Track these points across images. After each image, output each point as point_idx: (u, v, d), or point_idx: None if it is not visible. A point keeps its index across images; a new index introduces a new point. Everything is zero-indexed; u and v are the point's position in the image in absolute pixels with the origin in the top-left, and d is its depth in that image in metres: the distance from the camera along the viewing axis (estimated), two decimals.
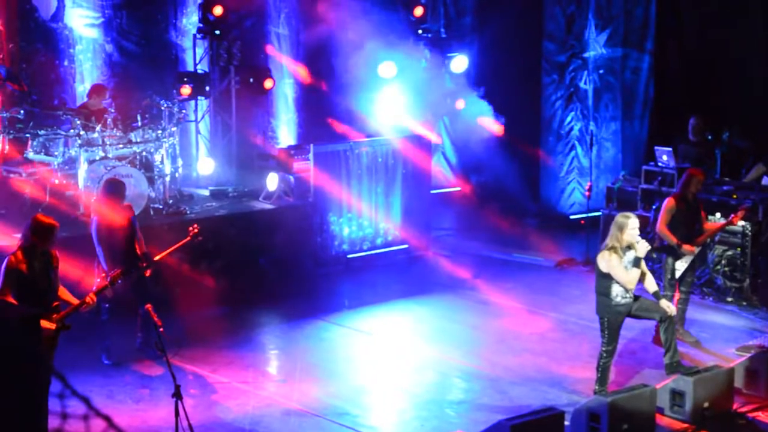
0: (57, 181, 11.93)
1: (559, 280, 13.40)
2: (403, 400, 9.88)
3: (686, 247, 10.69)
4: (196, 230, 10.04)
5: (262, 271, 12.62)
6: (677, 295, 10.90)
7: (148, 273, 10.13)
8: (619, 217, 9.44)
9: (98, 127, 12.13)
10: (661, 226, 10.71)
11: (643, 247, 9.33)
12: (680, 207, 10.77)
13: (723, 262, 12.35)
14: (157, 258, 10.12)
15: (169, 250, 10.08)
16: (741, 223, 12.17)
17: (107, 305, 10.09)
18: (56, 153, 12.13)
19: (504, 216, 15.47)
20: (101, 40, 13.73)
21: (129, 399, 9.59)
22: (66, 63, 13.46)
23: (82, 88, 13.45)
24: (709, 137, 13.92)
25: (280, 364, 10.89)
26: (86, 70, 13.62)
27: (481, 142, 15.45)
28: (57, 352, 8.43)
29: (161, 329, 7.95)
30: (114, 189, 10.37)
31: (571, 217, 15.73)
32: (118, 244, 10.15)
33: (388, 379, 10.32)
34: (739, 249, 12.25)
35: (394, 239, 14.05)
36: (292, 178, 13.46)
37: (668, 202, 10.82)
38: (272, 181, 13.38)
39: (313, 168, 13.32)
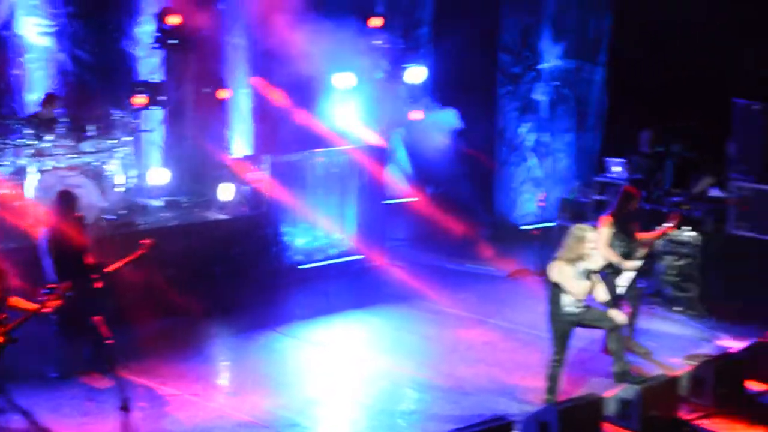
0: (6, 191, 11.80)
1: (512, 290, 13.47)
2: (354, 411, 9.89)
3: (628, 264, 10.77)
4: (149, 243, 9.98)
5: (216, 281, 12.57)
6: (628, 309, 10.98)
7: (98, 285, 10.04)
8: (578, 231, 9.50)
9: (50, 137, 12.04)
10: (602, 247, 10.72)
11: (597, 261, 9.43)
12: (618, 224, 10.84)
13: (672, 272, 12.49)
14: (108, 270, 10.05)
15: (120, 263, 10.00)
16: (690, 233, 12.33)
17: (55, 317, 9.99)
18: (6, 162, 12.01)
19: (458, 226, 15.55)
20: (54, 49, 13.62)
21: (76, 412, 9.48)
22: (16, 71, 13.34)
23: (32, 97, 13.32)
24: (660, 149, 14.08)
25: (232, 376, 10.86)
26: (37, 79, 13.49)
27: (436, 152, 15.51)
28: (2, 365, 8.36)
29: (110, 342, 7.91)
30: (65, 200, 10.28)
31: (525, 227, 15.82)
32: (68, 256, 10.06)
33: (340, 391, 10.32)
34: (688, 259, 12.39)
35: (348, 250, 14.06)
36: (247, 189, 13.44)
37: (606, 221, 10.84)
38: (227, 192, 13.35)
39: (268, 178, 13.31)
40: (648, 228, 11.62)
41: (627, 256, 10.79)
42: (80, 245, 10.19)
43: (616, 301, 10.60)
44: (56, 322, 10.13)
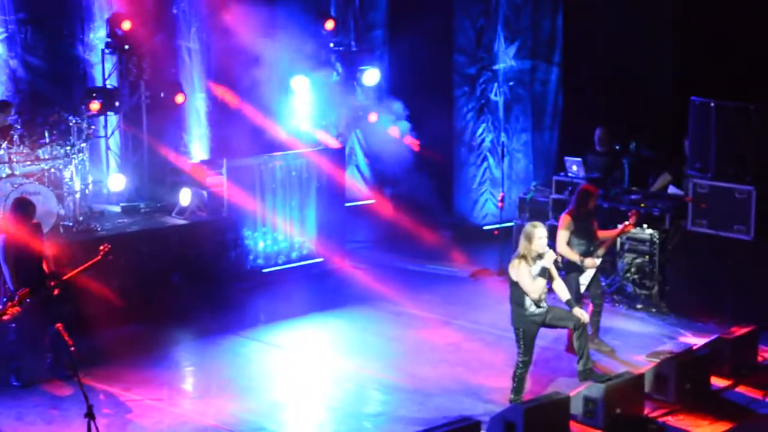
0: None
1: (473, 291, 13.50)
2: (320, 414, 9.87)
3: (588, 262, 10.85)
4: (106, 249, 9.89)
5: (176, 287, 12.47)
6: (590, 308, 11.06)
7: (56, 292, 9.95)
8: (528, 227, 9.58)
9: (4, 144, 11.90)
10: (561, 246, 10.80)
11: (549, 257, 9.47)
12: (576, 223, 10.92)
13: (632, 269, 12.60)
14: (65, 277, 9.97)
15: (78, 270, 9.93)
16: (649, 231, 12.45)
17: (14, 325, 9.89)
18: None
19: (418, 227, 15.57)
20: (5, 56, 13.42)
21: (40, 420, 9.41)
22: None
23: None
24: (617, 147, 14.21)
25: (196, 381, 10.78)
26: None
27: (394, 154, 15.52)
28: None
29: (72, 348, 7.84)
30: (22, 208, 10.21)
31: (485, 227, 15.88)
32: (26, 264, 10.00)
33: (305, 393, 10.29)
34: (647, 257, 12.51)
35: (309, 253, 14.02)
36: (205, 193, 13.35)
37: (565, 220, 10.92)
38: (185, 197, 13.24)
39: (226, 182, 13.24)
40: (606, 226, 11.73)
41: (587, 254, 10.87)
42: (37, 253, 10.13)
43: (578, 299, 10.69)
44: (15, 330, 10.02)
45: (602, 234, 11.20)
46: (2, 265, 10.00)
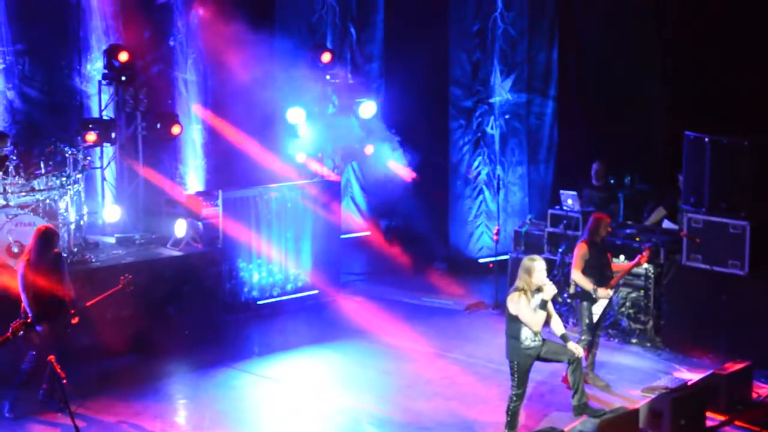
0: None
1: (469, 324, 13.48)
2: None
3: (602, 291, 10.86)
4: (128, 279, 9.97)
5: (171, 319, 12.44)
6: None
7: (75, 320, 9.98)
8: (526, 261, 9.58)
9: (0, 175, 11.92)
10: (576, 274, 10.85)
11: (550, 290, 9.47)
12: (591, 252, 10.95)
13: (627, 304, 12.60)
14: (87, 305, 10.00)
15: (98, 298, 10.02)
16: (645, 265, 12.45)
17: (34, 352, 9.89)
18: None
19: (414, 260, 15.58)
20: (2, 87, 13.48)
21: None
22: None
23: None
24: (612, 181, 14.24)
25: (189, 414, 10.72)
26: None
27: (390, 186, 15.55)
28: None
29: (64, 381, 7.83)
30: (46, 237, 10.21)
31: (480, 260, 15.89)
32: (44, 292, 10.00)
33: (298, 427, 10.24)
34: (642, 291, 12.51)
35: (304, 285, 14.01)
36: (200, 225, 13.35)
37: (580, 249, 10.96)
38: (180, 228, 13.25)
39: (222, 214, 13.25)
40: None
41: (599, 284, 10.88)
42: (56, 282, 10.14)
43: (592, 328, 10.73)
44: (34, 357, 9.98)
45: (616, 267, 11.21)
46: (21, 292, 10.00)
